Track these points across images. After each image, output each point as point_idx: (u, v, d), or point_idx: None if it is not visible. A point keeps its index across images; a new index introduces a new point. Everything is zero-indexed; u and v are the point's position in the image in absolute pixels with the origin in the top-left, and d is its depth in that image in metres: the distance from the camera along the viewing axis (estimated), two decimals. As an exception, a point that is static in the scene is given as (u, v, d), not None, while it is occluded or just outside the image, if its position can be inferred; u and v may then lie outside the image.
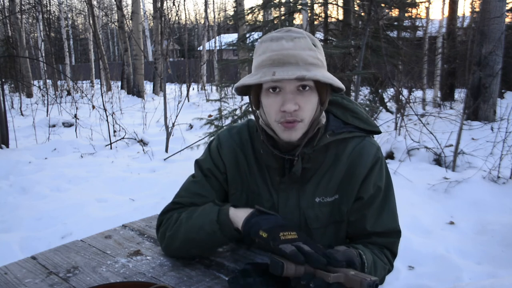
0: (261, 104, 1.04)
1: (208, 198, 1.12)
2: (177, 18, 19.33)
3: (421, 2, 7.06)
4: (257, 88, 1.03)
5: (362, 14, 6.75)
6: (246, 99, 10.54)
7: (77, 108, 7.61)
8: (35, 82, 15.54)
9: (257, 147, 1.11)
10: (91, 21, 13.03)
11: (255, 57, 1.01)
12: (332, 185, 1.06)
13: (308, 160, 1.04)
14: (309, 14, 6.20)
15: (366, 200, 1.06)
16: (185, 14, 36.83)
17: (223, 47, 19.28)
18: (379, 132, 1.11)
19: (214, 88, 15.35)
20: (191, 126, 7.46)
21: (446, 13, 10.56)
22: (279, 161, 1.07)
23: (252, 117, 1.16)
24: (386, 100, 7.28)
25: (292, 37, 0.96)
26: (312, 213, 1.07)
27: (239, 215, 0.98)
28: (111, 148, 5.89)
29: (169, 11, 14.38)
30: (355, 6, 6.95)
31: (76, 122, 6.92)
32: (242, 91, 1.07)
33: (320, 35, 6.70)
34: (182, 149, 5.28)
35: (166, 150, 5.54)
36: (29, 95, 13.47)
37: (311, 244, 0.85)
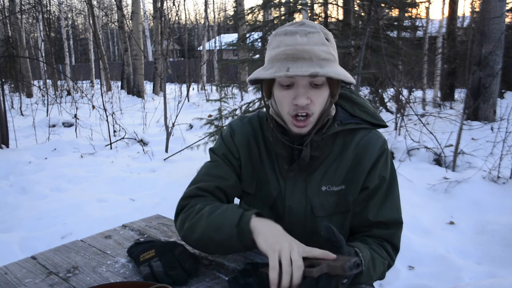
0: (273, 95, 1.07)
1: (230, 181, 1.12)
2: (177, 18, 19.33)
3: (421, 2, 7.04)
4: (270, 79, 1.06)
5: (362, 14, 6.74)
6: (246, 99, 10.55)
7: (77, 108, 7.61)
8: (35, 82, 15.54)
9: (267, 135, 1.13)
10: (91, 21, 13.03)
11: (268, 50, 1.03)
12: (339, 174, 1.08)
13: (317, 148, 1.07)
14: (309, 14, 6.19)
15: (371, 190, 1.08)
16: (185, 14, 36.91)
17: (223, 47, 19.28)
18: (385, 126, 1.13)
19: (214, 88, 15.34)
20: (191, 126, 7.46)
21: (446, 13, 10.57)
22: (288, 149, 1.09)
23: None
24: (386, 100, 7.28)
25: (306, 32, 0.97)
26: (318, 201, 1.09)
27: (260, 229, 0.91)
28: (111, 148, 5.89)
29: (169, 11, 14.37)
30: (355, 6, 6.94)
31: (76, 122, 6.92)
32: (256, 81, 1.10)
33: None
34: (182, 149, 5.28)
35: (166, 150, 5.54)
36: (29, 95, 13.46)
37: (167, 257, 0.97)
